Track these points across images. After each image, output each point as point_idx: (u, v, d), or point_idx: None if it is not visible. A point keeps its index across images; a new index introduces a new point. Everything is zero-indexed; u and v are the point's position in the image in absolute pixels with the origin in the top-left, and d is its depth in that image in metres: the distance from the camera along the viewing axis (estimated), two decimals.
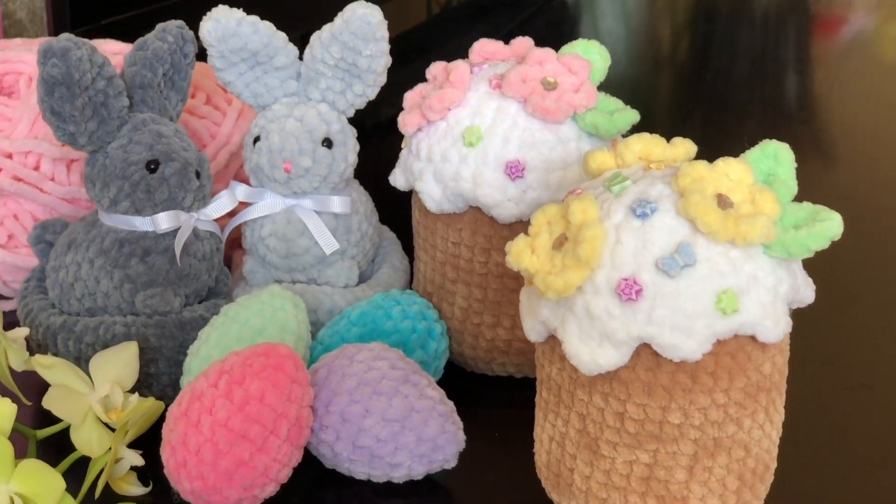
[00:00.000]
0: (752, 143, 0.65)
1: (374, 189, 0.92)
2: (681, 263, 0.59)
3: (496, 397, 0.85)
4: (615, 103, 0.79)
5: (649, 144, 0.67)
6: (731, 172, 0.63)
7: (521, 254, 0.63)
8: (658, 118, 1.51)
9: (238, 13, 0.82)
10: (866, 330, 0.93)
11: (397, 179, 0.84)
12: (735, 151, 0.64)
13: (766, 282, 0.61)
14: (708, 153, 0.66)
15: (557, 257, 0.62)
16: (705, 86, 1.63)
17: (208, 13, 0.82)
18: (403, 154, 0.84)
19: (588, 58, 0.80)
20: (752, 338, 0.62)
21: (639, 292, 0.60)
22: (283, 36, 0.83)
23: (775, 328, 0.62)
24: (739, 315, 0.60)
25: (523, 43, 0.84)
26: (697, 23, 1.95)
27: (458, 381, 0.84)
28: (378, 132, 1.26)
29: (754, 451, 0.65)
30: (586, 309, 0.61)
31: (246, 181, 0.90)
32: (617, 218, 0.62)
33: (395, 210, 0.95)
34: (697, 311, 0.60)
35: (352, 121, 0.87)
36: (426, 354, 0.81)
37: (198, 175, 0.82)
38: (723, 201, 0.61)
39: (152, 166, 0.80)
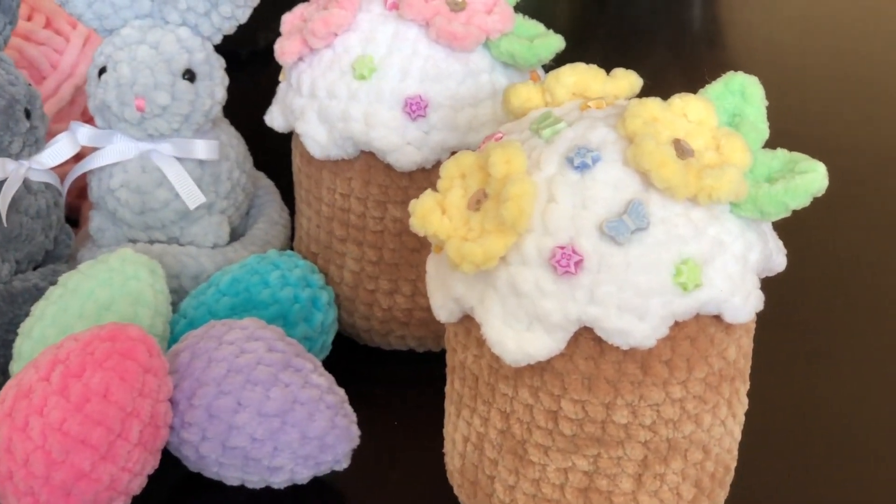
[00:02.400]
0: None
1: (247, 131, 0.82)
2: (631, 227, 0.51)
3: (395, 375, 0.76)
4: (535, 27, 0.71)
5: (585, 77, 0.58)
6: (691, 112, 0.54)
7: (429, 215, 0.53)
8: None
9: None
10: (826, 294, 0.85)
11: (274, 119, 0.73)
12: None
13: (734, 248, 0.53)
14: None
15: (475, 219, 0.53)
16: (608, 11, 1.54)
17: None
18: (282, 88, 0.74)
19: None
20: (717, 317, 0.53)
21: (578, 263, 0.51)
22: None
23: (745, 305, 0.53)
24: (703, 290, 0.52)
25: None
26: None
27: (349, 357, 0.76)
28: (253, 63, 1.13)
29: (714, 452, 0.57)
30: (512, 284, 0.52)
31: (92, 122, 0.77)
32: (549, 170, 0.53)
33: (273, 155, 0.85)
34: (652, 286, 0.51)
35: (219, 48, 0.76)
36: (311, 328, 0.71)
37: (28, 114, 0.71)
38: (681, 149, 0.52)
39: None
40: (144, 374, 0.59)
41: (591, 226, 0.50)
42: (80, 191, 0.84)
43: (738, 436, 0.58)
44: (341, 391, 0.64)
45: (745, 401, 0.58)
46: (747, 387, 0.58)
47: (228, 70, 0.77)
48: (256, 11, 0.75)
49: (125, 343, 0.60)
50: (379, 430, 0.68)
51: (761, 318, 0.56)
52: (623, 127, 0.52)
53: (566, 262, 0.50)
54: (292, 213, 0.82)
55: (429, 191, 0.54)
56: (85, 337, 0.60)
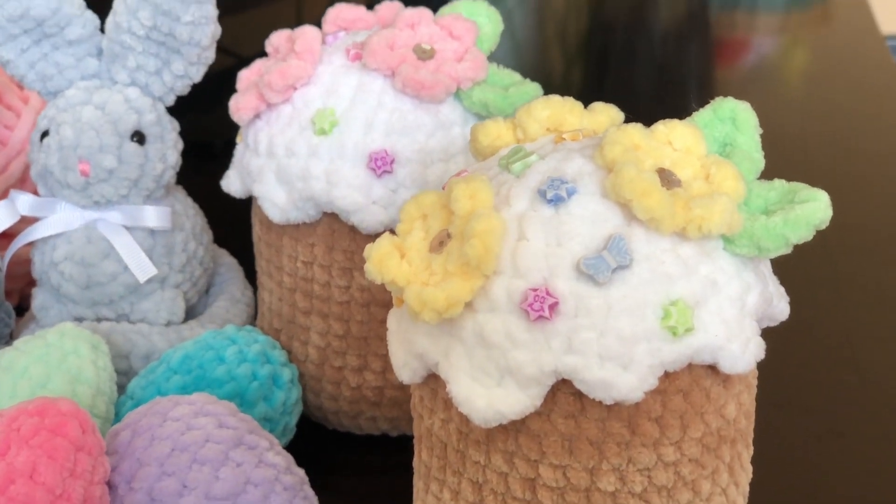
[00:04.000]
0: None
1: (206, 202, 0.77)
2: (612, 264, 0.45)
3: (365, 463, 0.70)
4: (510, 76, 0.65)
5: (560, 110, 0.53)
6: (676, 139, 0.48)
7: (386, 259, 0.48)
8: None
9: None
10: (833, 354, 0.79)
11: (231, 183, 0.68)
12: None
13: (730, 289, 0.47)
14: None
15: (437, 262, 0.47)
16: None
17: None
18: (238, 150, 0.68)
19: (474, 20, 0.63)
20: (712, 368, 0.47)
21: (553, 307, 0.45)
22: (78, 1, 0.67)
23: (743, 354, 0.47)
24: (695, 335, 0.45)
25: (391, 7, 0.68)
26: (593, 45, 1.83)
27: (315, 442, 0.70)
28: (227, 154, 1.08)
29: None
30: (479, 334, 0.46)
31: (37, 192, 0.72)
32: (520, 205, 0.47)
33: (236, 228, 0.79)
34: (637, 331, 0.45)
35: (193, 141, 0.72)
36: (271, 408, 0.65)
37: None
38: (667, 178, 0.47)
39: None
40: (76, 452, 0.53)
41: (566, 265, 0.45)
42: (27, 280, 0.79)
43: None
44: (301, 471, 0.58)
45: (749, 468, 0.51)
46: (750, 452, 0.51)
47: (202, 160, 0.72)
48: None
49: (55, 418, 0.53)
50: None
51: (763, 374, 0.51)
52: (601, 156, 0.46)
53: (539, 305, 0.44)
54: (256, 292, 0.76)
55: (386, 234, 0.48)
56: (10, 412, 0.54)
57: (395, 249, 0.47)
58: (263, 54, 0.67)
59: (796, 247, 0.46)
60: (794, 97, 1.49)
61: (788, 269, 0.52)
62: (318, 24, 0.67)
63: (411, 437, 0.66)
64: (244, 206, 0.74)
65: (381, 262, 0.47)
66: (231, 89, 0.66)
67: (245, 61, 0.69)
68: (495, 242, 0.45)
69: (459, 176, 0.49)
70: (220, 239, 0.79)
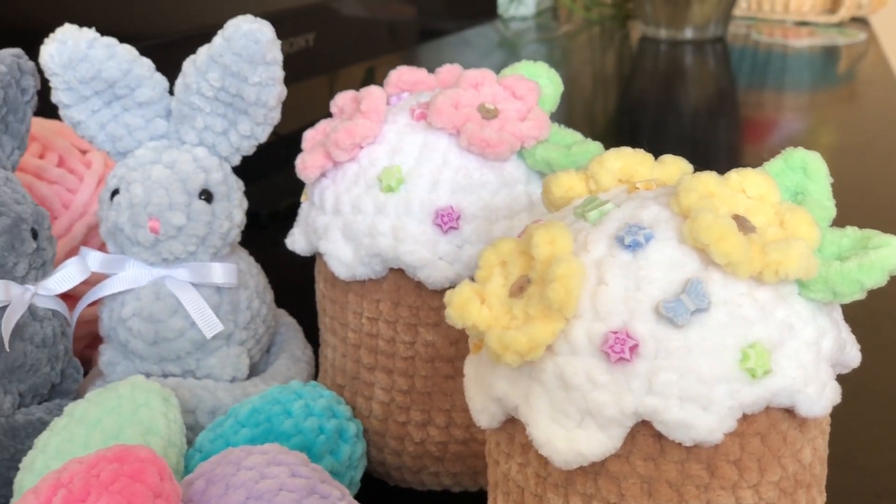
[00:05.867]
0: None
1: (270, 265, 0.77)
2: (691, 308, 0.45)
3: None
4: (572, 135, 0.65)
5: (632, 162, 0.53)
6: (750, 187, 0.49)
7: (468, 304, 0.48)
8: None
9: (90, 33, 0.66)
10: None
11: (296, 242, 0.68)
12: None
13: (806, 333, 0.47)
14: None
15: (517, 306, 0.47)
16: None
17: (52, 34, 0.65)
18: (303, 209, 0.69)
19: (535, 81, 0.64)
20: (789, 411, 0.47)
21: (634, 349, 0.45)
22: (147, 63, 0.67)
23: (820, 398, 0.47)
24: (773, 378, 0.46)
25: (452, 70, 0.68)
26: (623, 122, 1.85)
27: (378, 498, 0.69)
28: (273, 224, 1.09)
29: None
30: (560, 376, 0.46)
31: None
32: (598, 251, 0.47)
33: (290, 293, 0.79)
34: (716, 372, 0.45)
35: (238, 171, 0.72)
36: (338, 462, 0.65)
37: (35, 235, 0.66)
38: (742, 224, 0.47)
39: None
40: (155, 498, 0.53)
41: (646, 308, 0.45)
42: (92, 339, 0.80)
43: None
44: None
45: None
46: (823, 499, 0.51)
47: (248, 230, 0.73)
48: (275, 179, 0.71)
49: (134, 464, 0.53)
50: None
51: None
52: (677, 203, 0.46)
53: (620, 347, 0.45)
54: (316, 352, 0.76)
55: (466, 280, 0.48)
56: (90, 459, 0.54)
57: (475, 295, 0.47)
58: (300, 131, 0.68)
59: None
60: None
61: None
62: None
63: (473, 494, 0.66)
64: (297, 271, 0.75)
65: (463, 307, 0.47)
66: (271, 164, 0.67)
67: (283, 138, 0.70)
68: (576, 286, 0.45)
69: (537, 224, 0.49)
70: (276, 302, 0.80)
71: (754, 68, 2.04)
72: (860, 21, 2.29)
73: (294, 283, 0.79)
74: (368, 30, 1.70)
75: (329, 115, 0.69)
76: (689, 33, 2.09)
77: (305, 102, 0.70)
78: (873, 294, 0.47)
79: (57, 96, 0.67)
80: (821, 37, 2.16)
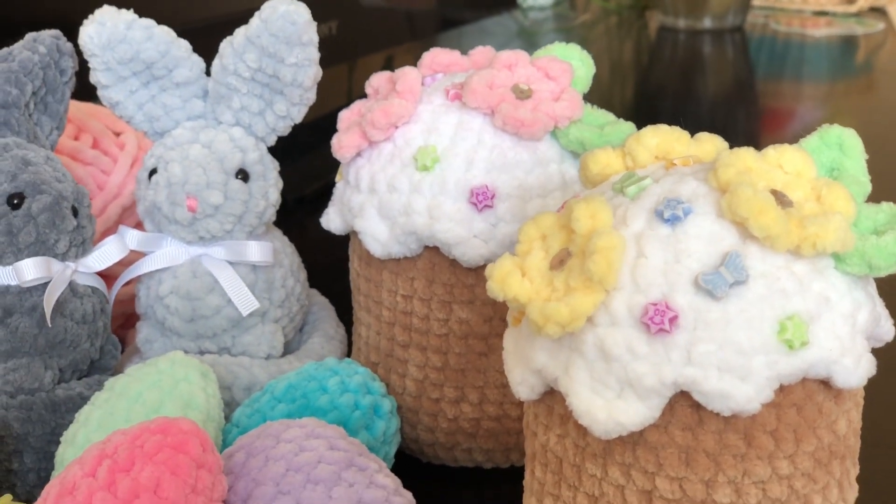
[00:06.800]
0: None
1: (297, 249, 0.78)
2: (729, 280, 0.46)
3: (461, 495, 0.70)
4: (604, 116, 0.66)
5: (668, 139, 0.54)
6: (787, 163, 0.49)
7: (508, 277, 0.49)
8: None
9: (128, 15, 0.67)
10: None
11: (331, 220, 0.68)
12: None
13: (842, 306, 0.48)
14: None
15: (558, 278, 0.48)
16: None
17: (91, 16, 0.66)
18: (338, 188, 0.69)
19: (568, 62, 0.65)
20: (824, 383, 0.48)
21: (673, 321, 0.46)
22: (185, 44, 0.68)
23: (856, 369, 0.47)
24: (810, 349, 0.46)
25: (485, 53, 0.69)
26: (641, 110, 1.85)
27: (410, 474, 0.67)
28: (299, 210, 1.09)
29: None
30: (600, 347, 0.47)
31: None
32: (637, 225, 0.48)
33: (321, 274, 0.80)
34: (755, 344, 0.46)
35: (273, 151, 0.72)
36: (373, 438, 0.65)
37: (75, 213, 0.67)
38: (779, 199, 0.47)
39: (15, 201, 0.65)
40: (198, 469, 0.54)
41: (685, 280, 0.46)
42: (125, 319, 0.81)
43: None
44: (409, 494, 0.58)
45: (856, 487, 0.52)
46: (857, 470, 0.52)
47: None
48: (300, 165, 0.72)
49: (177, 436, 0.54)
50: None
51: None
52: (715, 178, 0.47)
53: (660, 319, 0.45)
54: (348, 331, 0.77)
55: (506, 254, 0.49)
56: (133, 431, 0.55)
57: (516, 268, 0.48)
58: (319, 118, 0.68)
59: None
60: None
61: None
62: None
63: (504, 470, 0.67)
64: (325, 255, 0.75)
65: (504, 279, 0.48)
66: (293, 150, 0.67)
67: (301, 126, 0.71)
68: (617, 258, 0.46)
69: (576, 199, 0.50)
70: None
71: (772, 58, 2.05)
72: (878, 11, 2.29)
73: (320, 267, 0.80)
74: (389, 19, 1.71)
75: (347, 104, 0.69)
76: (707, 23, 2.09)
77: (323, 90, 0.71)
78: None
79: (96, 77, 0.68)
80: (839, 26, 2.16)
